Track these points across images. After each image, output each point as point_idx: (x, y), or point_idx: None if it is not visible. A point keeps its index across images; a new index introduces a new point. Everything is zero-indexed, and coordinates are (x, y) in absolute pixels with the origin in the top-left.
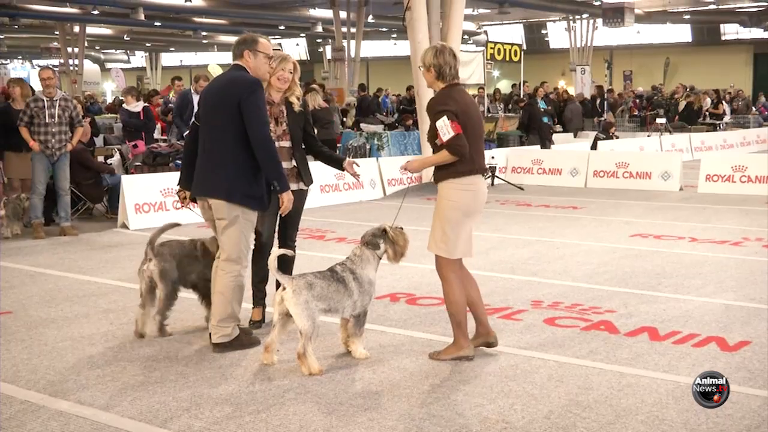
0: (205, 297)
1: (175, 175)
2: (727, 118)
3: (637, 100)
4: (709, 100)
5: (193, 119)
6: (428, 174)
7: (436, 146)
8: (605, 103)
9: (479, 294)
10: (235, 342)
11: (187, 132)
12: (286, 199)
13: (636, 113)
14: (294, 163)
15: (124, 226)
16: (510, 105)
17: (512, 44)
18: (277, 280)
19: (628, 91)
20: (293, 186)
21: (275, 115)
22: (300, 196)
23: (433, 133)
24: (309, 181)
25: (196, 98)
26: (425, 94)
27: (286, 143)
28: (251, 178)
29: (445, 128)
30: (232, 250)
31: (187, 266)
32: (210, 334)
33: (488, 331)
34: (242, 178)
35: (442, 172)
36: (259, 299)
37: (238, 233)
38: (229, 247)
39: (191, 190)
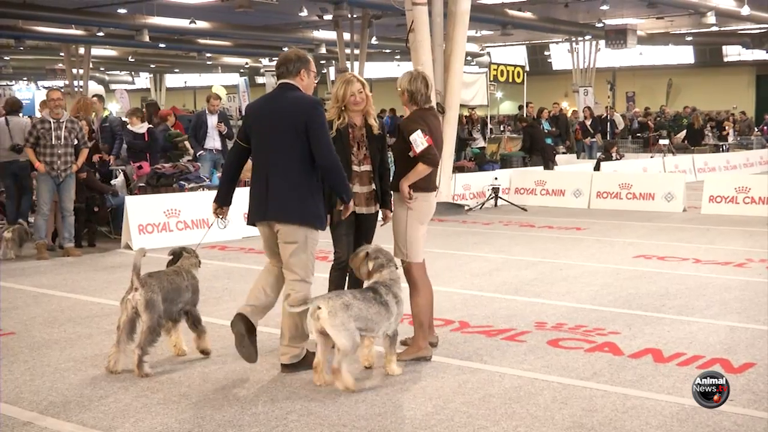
0: (196, 323)
1: (179, 196)
2: (731, 139)
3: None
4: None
5: (235, 138)
6: None
7: (407, 159)
8: (599, 124)
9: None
10: (303, 362)
11: (230, 150)
12: (351, 207)
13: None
14: (373, 186)
15: (128, 247)
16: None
17: (515, 65)
18: None
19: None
20: (366, 210)
21: (357, 139)
22: (375, 219)
23: (405, 146)
24: (387, 203)
25: (210, 118)
26: None
27: (367, 167)
28: (317, 198)
29: (419, 140)
30: (303, 271)
31: (176, 298)
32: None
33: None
34: (311, 200)
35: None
36: None
37: (308, 254)
38: (299, 268)
39: (252, 215)
